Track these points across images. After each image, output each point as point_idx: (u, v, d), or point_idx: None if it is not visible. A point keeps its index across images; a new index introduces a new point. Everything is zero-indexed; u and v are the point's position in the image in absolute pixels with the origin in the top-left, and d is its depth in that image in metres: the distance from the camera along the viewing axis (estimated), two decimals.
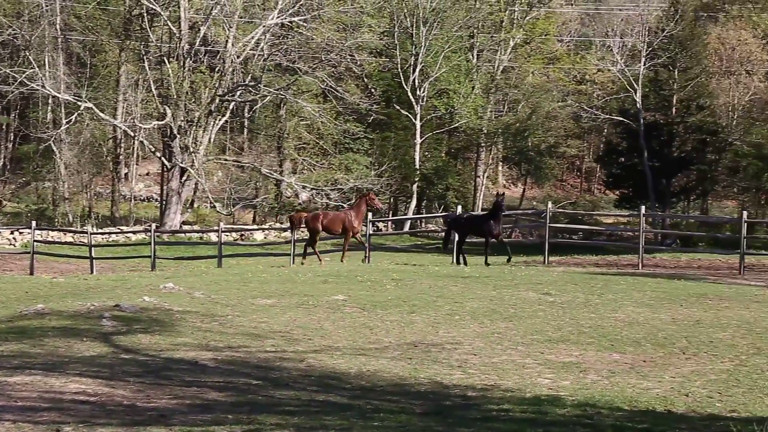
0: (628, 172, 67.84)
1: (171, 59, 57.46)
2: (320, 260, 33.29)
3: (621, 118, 68.13)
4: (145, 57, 59.59)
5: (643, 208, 36.65)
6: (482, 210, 36.33)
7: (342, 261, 32.68)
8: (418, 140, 66.96)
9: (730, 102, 74.81)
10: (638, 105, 65.68)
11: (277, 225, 59.44)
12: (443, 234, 33.69)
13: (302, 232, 38.30)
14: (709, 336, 16.71)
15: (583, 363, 14.44)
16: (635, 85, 65.96)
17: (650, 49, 66.55)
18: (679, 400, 11.93)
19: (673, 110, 66.21)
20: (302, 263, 33.40)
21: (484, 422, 10.61)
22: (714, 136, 68.04)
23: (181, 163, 54.69)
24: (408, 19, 66.82)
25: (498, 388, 12.64)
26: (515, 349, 15.56)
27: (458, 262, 31.39)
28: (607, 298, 21.83)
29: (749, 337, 16.60)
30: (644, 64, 66.63)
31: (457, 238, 32.46)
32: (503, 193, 33.27)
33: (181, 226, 54.91)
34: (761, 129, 73.70)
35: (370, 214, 36.28)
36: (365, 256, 36.27)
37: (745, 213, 35.47)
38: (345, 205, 58.79)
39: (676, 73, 65.88)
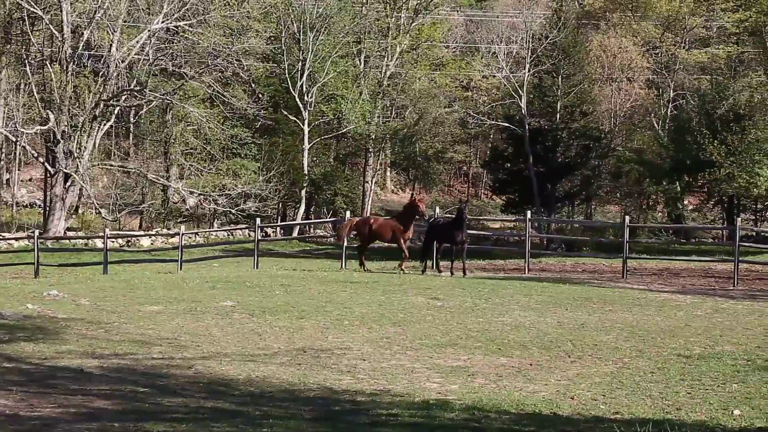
0: (514, 177, 68.55)
1: (53, 63, 56.47)
2: (363, 266, 31.97)
3: (506, 124, 68.82)
4: (26, 61, 58.47)
5: (528, 213, 37.14)
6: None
7: (402, 269, 31.15)
8: (307, 146, 66.88)
9: (612, 108, 76.18)
10: (523, 111, 66.42)
11: (164, 231, 58.84)
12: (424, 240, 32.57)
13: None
14: (593, 339, 17.00)
15: (471, 367, 14.58)
16: (520, 92, 66.70)
17: (534, 56, 67.37)
18: (564, 402, 12.11)
19: (558, 116, 67.06)
20: (364, 269, 31.76)
21: (373, 427, 10.65)
22: (597, 141, 69.15)
23: (65, 168, 53.75)
24: (295, 25, 66.65)
25: (387, 392, 12.69)
26: (404, 353, 15.64)
27: (426, 268, 31.15)
28: (495, 302, 22.07)
29: (632, 340, 16.93)
30: (529, 71, 67.40)
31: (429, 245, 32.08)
32: (467, 200, 33.18)
33: (65, 233, 53.96)
34: (642, 135, 75.27)
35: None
36: (255, 262, 36.09)
37: (627, 218, 36.20)
38: (232, 210, 58.49)
39: (560, 79, 66.74)
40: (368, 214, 39.94)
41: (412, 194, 33.94)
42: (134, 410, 11.36)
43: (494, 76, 77.16)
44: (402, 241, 31.50)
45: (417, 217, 31.90)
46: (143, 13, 57.85)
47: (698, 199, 72.58)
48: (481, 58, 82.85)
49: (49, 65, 56.49)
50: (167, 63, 59.41)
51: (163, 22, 54.77)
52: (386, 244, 34.35)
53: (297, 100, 66.05)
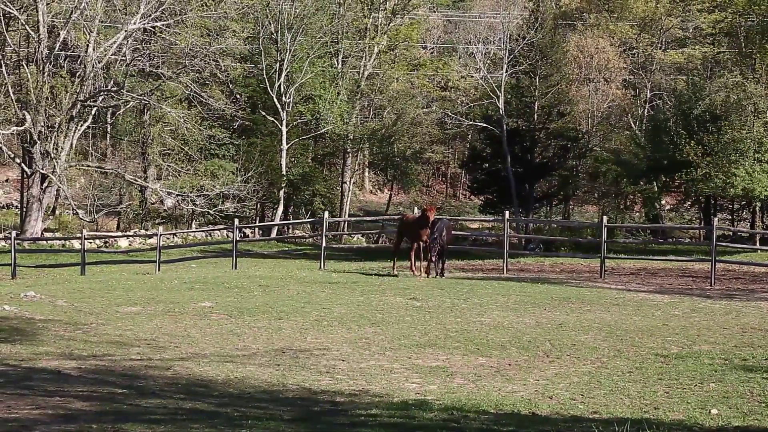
0: (492, 177, 68.65)
1: (30, 64, 56.20)
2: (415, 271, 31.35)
3: (484, 125, 68.88)
4: (2, 61, 58.12)
5: (507, 213, 37.17)
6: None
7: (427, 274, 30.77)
8: (285, 146, 66.78)
9: (589, 109, 76.33)
10: (501, 111, 66.52)
11: (142, 232, 58.65)
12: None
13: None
14: (571, 339, 17.04)
15: (450, 367, 14.59)
16: (498, 92, 66.81)
17: (511, 56, 67.50)
18: (543, 402, 12.14)
19: (535, 117, 67.20)
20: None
21: (352, 428, 10.66)
22: (574, 142, 69.34)
23: (42, 169, 53.53)
24: (272, 25, 66.54)
25: (366, 393, 12.69)
26: (383, 354, 15.64)
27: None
28: (473, 302, 22.10)
29: (610, 340, 16.98)
30: (506, 71, 67.53)
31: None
32: (441, 207, 33.22)
33: (42, 234, 53.74)
34: (619, 135, 75.53)
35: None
36: (233, 263, 36.02)
37: (605, 218, 36.26)
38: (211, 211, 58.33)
39: (537, 80, 66.88)
40: (406, 215, 38.78)
41: (425, 206, 33.65)
42: (112, 411, 11.33)
43: (472, 77, 77.28)
44: (421, 243, 31.06)
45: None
46: (120, 14, 57.61)
47: (675, 199, 72.85)
48: (459, 58, 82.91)
49: (25, 66, 56.19)
50: (144, 63, 59.16)
51: (140, 22, 54.58)
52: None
53: (275, 100, 65.94)
